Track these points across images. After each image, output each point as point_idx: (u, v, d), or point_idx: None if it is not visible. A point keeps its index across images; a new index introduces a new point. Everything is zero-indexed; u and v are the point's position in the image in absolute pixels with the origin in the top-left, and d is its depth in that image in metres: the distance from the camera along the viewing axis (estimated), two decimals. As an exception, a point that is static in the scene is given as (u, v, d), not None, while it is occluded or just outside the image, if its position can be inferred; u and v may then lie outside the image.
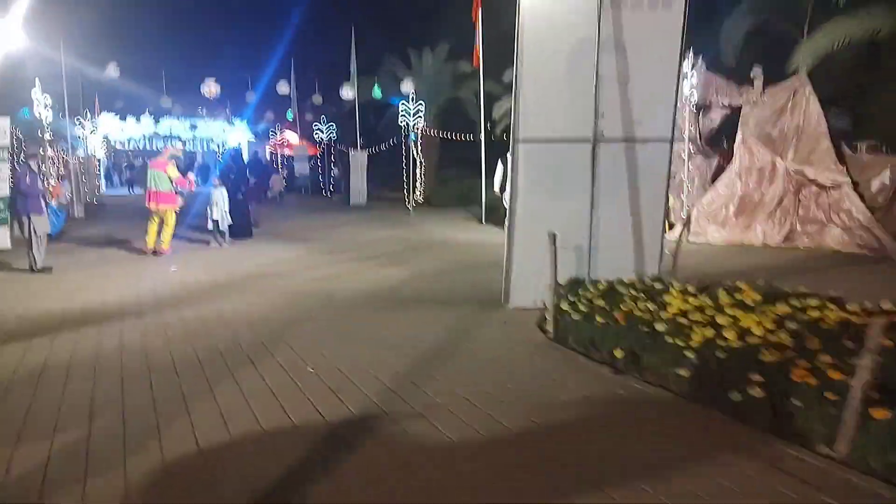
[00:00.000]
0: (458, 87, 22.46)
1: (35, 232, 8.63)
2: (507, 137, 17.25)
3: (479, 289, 7.52)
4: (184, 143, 34.95)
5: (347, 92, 20.95)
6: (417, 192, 20.22)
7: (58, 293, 7.50)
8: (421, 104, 17.74)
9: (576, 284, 5.90)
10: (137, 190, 30.13)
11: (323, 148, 26.19)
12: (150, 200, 10.40)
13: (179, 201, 10.72)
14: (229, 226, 11.69)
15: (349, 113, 25.05)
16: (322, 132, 24.86)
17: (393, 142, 20.77)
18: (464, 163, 29.60)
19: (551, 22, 5.97)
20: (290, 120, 27.12)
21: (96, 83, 25.77)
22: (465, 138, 16.97)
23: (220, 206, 11.47)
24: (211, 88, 18.24)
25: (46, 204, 8.92)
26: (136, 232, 13.65)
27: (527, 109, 6.07)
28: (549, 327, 5.44)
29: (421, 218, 17.30)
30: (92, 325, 6.08)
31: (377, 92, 20.91)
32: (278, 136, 32.12)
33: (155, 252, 10.39)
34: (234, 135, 35.22)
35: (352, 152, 22.37)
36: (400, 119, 18.25)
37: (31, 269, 8.79)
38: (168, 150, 11.06)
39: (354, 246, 11.47)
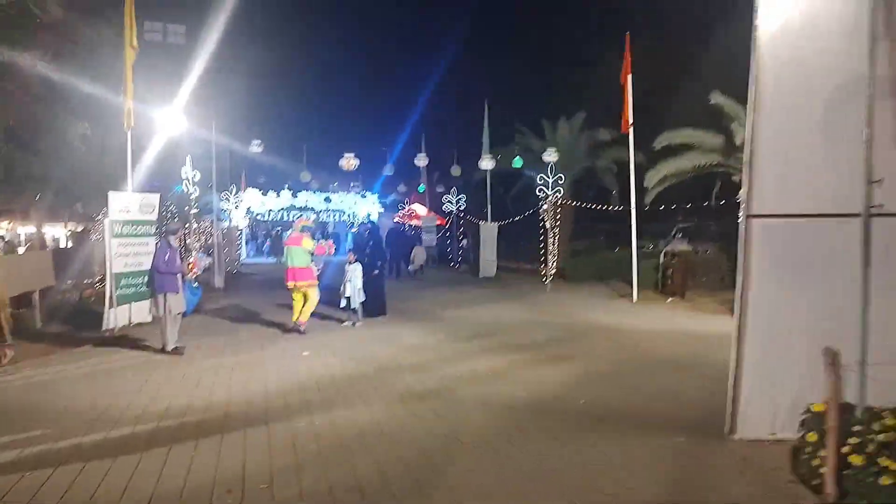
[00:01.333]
0: (594, 157, 21.17)
1: (169, 311, 8.16)
2: (658, 207, 15.53)
3: (676, 403, 5.86)
4: (317, 215, 36.70)
5: (481, 163, 20.36)
6: (552, 266, 18.82)
7: (182, 384, 6.77)
8: (560, 176, 16.54)
9: (843, 414, 4.13)
10: (273, 258, 31.35)
11: (451, 219, 25.67)
12: (288, 279, 9.99)
13: (317, 270, 10.21)
14: (362, 303, 10.89)
15: (478, 184, 24.45)
16: (451, 203, 24.38)
17: (527, 213, 19.67)
18: (597, 235, 27.92)
19: (801, 64, 4.50)
20: (421, 192, 27.02)
21: (243, 160, 27.40)
22: (613, 209, 15.43)
23: (353, 283, 10.71)
24: (350, 162, 18.36)
25: (184, 281, 8.47)
26: (269, 305, 13.34)
27: (764, 176, 4.55)
28: (827, 482, 3.69)
29: (560, 295, 15.75)
30: (213, 433, 5.12)
31: (518, 162, 20.05)
32: (406, 207, 32.35)
33: (291, 329, 9.92)
34: (365, 207, 36.14)
35: (482, 223, 21.51)
36: (537, 190, 17.13)
37: (163, 350, 8.31)
38: (299, 223, 10.67)
39: (497, 330, 10.14)
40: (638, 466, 4.36)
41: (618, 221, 28.16)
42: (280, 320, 11.31)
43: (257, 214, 35.14)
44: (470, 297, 15.25)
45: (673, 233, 25.11)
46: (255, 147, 17.63)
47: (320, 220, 35.90)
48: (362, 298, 10.82)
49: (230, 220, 25.07)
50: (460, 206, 24.63)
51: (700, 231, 23.99)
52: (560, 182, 16.57)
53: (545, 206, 18.58)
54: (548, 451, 4.66)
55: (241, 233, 27.72)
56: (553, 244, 18.48)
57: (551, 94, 25.25)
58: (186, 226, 14.83)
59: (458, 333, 9.77)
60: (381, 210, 34.19)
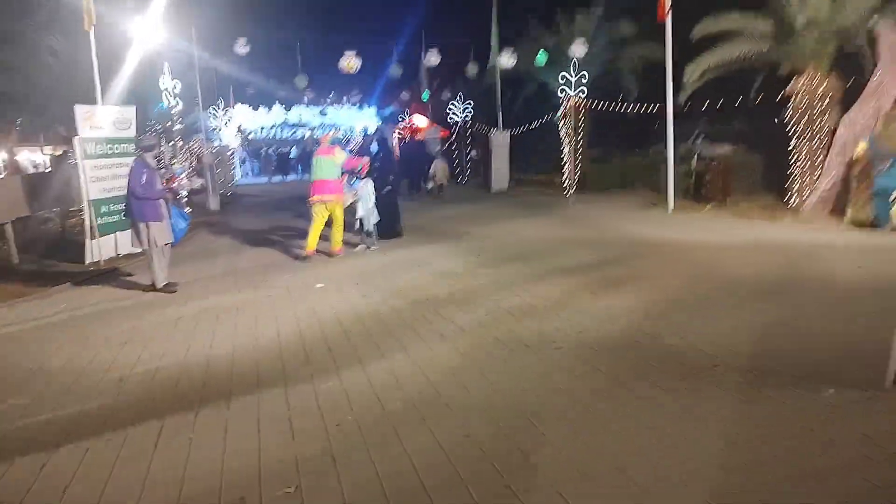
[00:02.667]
0: (615, 54, 19.20)
1: (154, 243, 6.89)
2: (691, 106, 13.93)
3: (790, 339, 4.70)
4: (312, 130, 34.73)
5: (500, 60, 18.28)
6: (574, 175, 17.40)
7: (175, 333, 5.60)
8: (584, 74, 14.79)
9: None
10: (277, 179, 29.87)
11: (457, 129, 23.87)
12: (315, 191, 8.78)
13: (349, 194, 9.22)
14: (376, 224, 9.63)
15: (486, 90, 22.52)
16: (457, 112, 22.51)
17: (545, 118, 18.01)
18: (612, 142, 26.20)
19: None
20: (426, 101, 24.99)
21: (229, 74, 25.24)
22: (644, 111, 13.78)
23: (365, 203, 9.41)
24: (351, 62, 16.36)
25: (169, 206, 7.16)
26: (269, 228, 12.14)
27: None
28: None
29: (586, 206, 14.46)
30: (216, 402, 3.98)
31: (541, 59, 18.06)
32: (406, 119, 30.38)
33: (302, 257, 8.83)
34: (362, 121, 34.06)
35: (493, 132, 19.88)
36: (559, 90, 15.41)
37: (153, 287, 7.13)
38: (328, 136, 9.45)
39: (533, 250, 8.93)
40: (798, 435, 3.22)
41: (634, 126, 26.48)
42: (284, 245, 10.12)
43: (249, 132, 33.25)
44: (488, 213, 13.99)
45: (694, 136, 23.56)
46: (241, 48, 15.63)
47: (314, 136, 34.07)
48: (376, 219, 9.57)
49: (220, 139, 23.36)
50: (467, 115, 22.79)
51: (721, 133, 22.39)
52: (584, 81, 14.83)
53: (565, 110, 16.91)
54: (658, 412, 3.54)
55: (233, 152, 26.00)
56: (574, 151, 16.97)
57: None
58: (172, 144, 13.30)
59: (491, 256, 8.56)
60: (380, 123, 32.25)
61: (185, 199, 12.71)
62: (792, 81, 12.17)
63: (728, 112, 17.36)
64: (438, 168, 17.97)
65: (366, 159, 9.49)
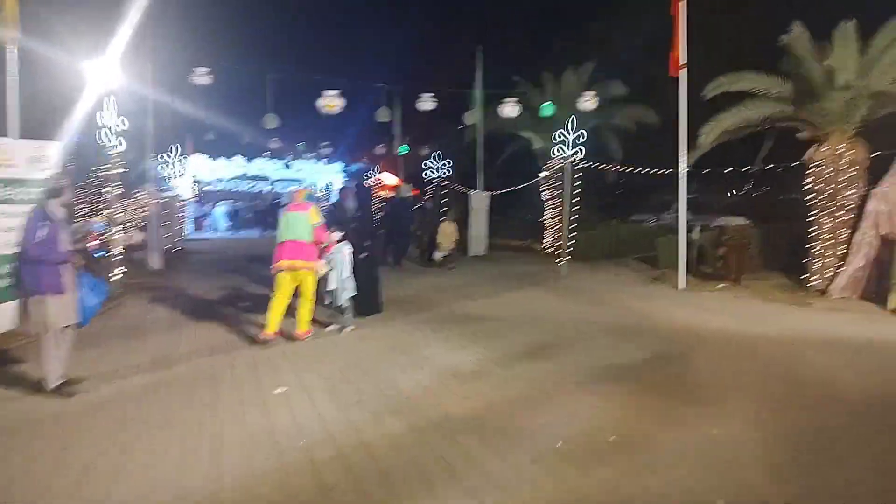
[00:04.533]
0: (606, 115, 18.24)
1: (45, 325, 4.88)
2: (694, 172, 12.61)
3: None
4: (272, 185, 32.85)
5: (502, 110, 17.04)
6: (554, 241, 15.97)
7: (57, 475, 3.58)
8: (582, 133, 13.55)
9: None
10: (242, 234, 27.66)
11: (431, 188, 22.40)
12: (283, 255, 6.86)
13: (322, 263, 7.28)
14: (352, 298, 7.77)
15: (465, 148, 21.32)
16: (434, 170, 21.09)
17: (532, 181, 16.73)
18: (597, 207, 25.18)
19: None
20: (403, 154, 23.56)
21: (188, 118, 23.35)
22: (660, 173, 12.40)
23: (338, 272, 7.56)
24: (332, 103, 14.65)
25: (79, 274, 5.19)
26: (220, 295, 10.11)
27: None
28: None
29: (582, 279, 12.89)
30: None
31: (549, 109, 16.82)
32: (374, 176, 28.90)
33: (262, 341, 6.85)
34: (327, 176, 32.43)
35: (472, 193, 18.46)
36: (554, 150, 14.10)
37: (43, 387, 5.06)
38: (302, 192, 7.64)
39: (550, 338, 7.14)
40: None
41: (615, 192, 25.64)
42: (237, 321, 8.13)
43: (206, 184, 31.15)
44: (476, 282, 12.27)
45: (673, 206, 22.68)
46: (202, 78, 13.74)
47: (274, 190, 32.19)
48: (352, 293, 7.71)
49: (171, 189, 21.25)
50: (444, 174, 21.36)
51: (717, 203, 21.58)
52: (580, 140, 13.57)
53: (552, 171, 15.64)
54: None
55: (184, 204, 23.86)
56: (567, 216, 15.57)
57: (553, 44, 22.13)
58: (108, 190, 11.19)
59: (505, 346, 6.72)
60: (346, 179, 30.69)
61: (120, 255, 10.63)
62: (812, 148, 11.13)
63: (727, 179, 16.48)
64: (446, 231, 14.66)
65: (334, 235, 7.60)
